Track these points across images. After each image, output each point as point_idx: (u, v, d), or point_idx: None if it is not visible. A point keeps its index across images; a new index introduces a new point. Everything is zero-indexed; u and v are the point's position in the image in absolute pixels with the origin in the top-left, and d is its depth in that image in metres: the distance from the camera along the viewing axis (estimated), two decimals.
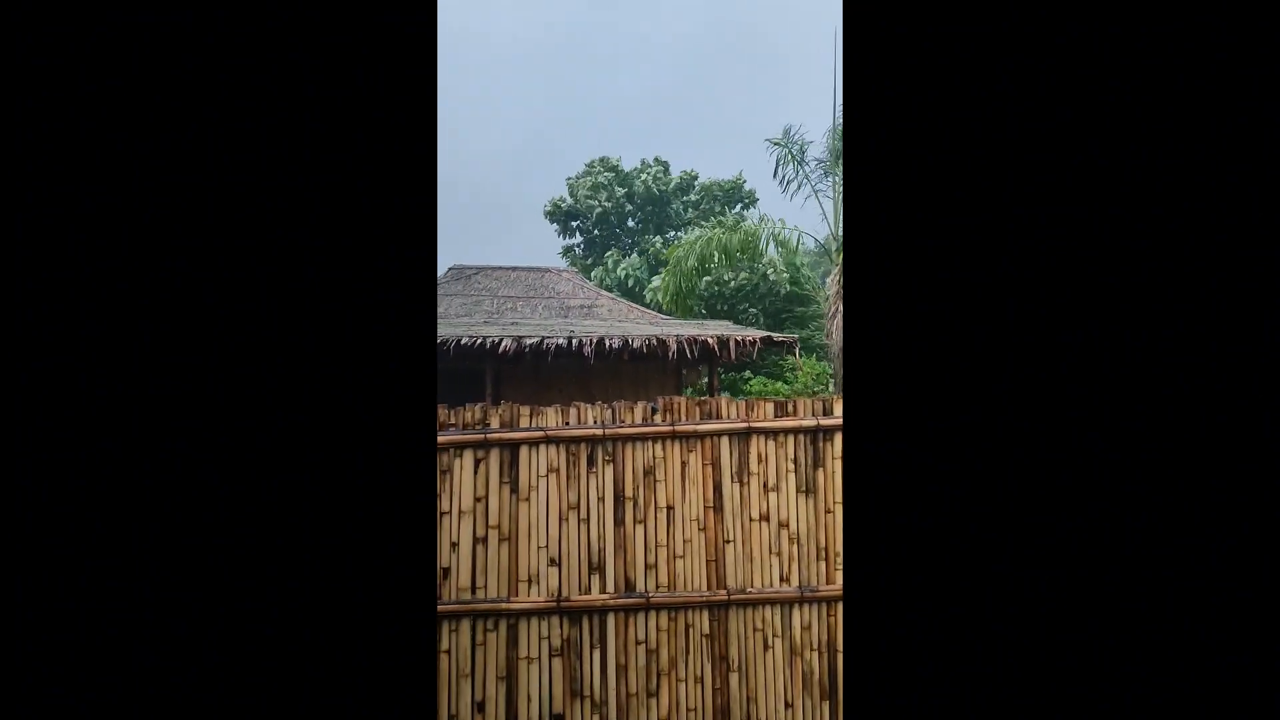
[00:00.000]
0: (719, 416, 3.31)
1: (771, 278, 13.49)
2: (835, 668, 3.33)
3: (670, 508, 3.24)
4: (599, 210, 19.51)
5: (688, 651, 3.20)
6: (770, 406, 3.35)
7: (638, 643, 3.17)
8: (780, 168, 10.05)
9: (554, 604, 3.12)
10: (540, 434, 3.19)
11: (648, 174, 20.04)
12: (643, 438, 3.26)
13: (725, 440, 3.30)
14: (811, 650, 3.32)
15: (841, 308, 9.96)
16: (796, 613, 3.32)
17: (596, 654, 3.14)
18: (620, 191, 19.59)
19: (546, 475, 3.20)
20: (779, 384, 10.65)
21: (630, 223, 19.95)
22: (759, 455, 3.32)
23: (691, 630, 3.22)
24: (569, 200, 20.27)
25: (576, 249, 20.25)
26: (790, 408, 3.36)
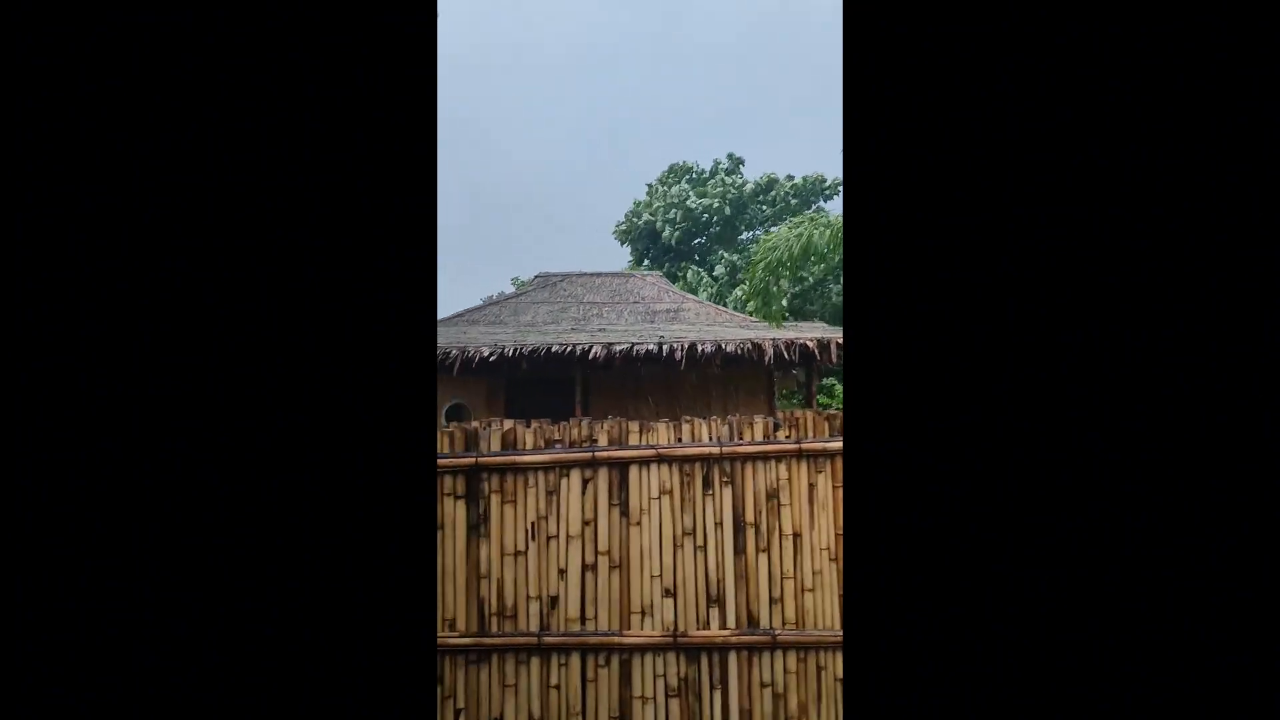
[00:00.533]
0: None
1: None
2: None
3: (797, 535, 2.90)
4: (674, 226, 19.16)
5: (820, 697, 2.85)
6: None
7: (763, 685, 2.84)
8: None
9: (670, 639, 2.85)
10: (651, 452, 2.93)
11: (723, 177, 19.54)
12: (764, 457, 2.94)
13: None
14: None
15: None
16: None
17: (717, 696, 2.84)
18: (697, 203, 19.17)
19: (659, 497, 2.94)
20: None
21: (710, 230, 19.50)
22: None
23: (824, 673, 2.87)
24: (642, 218, 20.02)
25: (650, 262, 19.99)
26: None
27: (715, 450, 2.93)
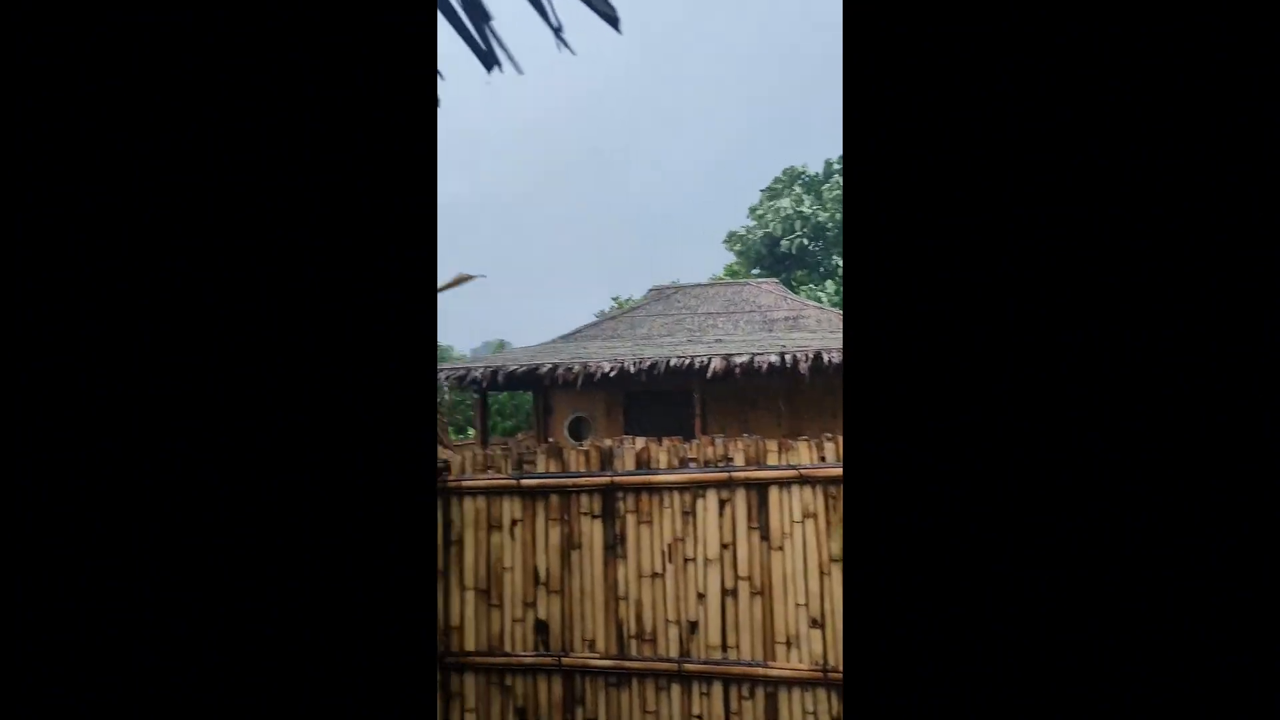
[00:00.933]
0: None
1: None
2: None
3: None
4: (790, 234, 18.54)
5: None
6: None
7: None
8: None
9: (819, 673, 2.65)
10: (793, 473, 2.77)
11: (838, 179, 18.72)
12: None
13: None
14: None
15: None
16: None
17: None
18: (811, 209, 18.47)
19: (801, 521, 2.76)
20: None
21: (827, 235, 18.72)
22: None
23: None
24: (755, 229, 19.53)
25: (762, 271, 19.45)
26: None
27: None
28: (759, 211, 19.86)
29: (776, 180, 20.27)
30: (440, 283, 5.12)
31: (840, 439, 2.80)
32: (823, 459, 2.78)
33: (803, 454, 2.80)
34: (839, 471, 2.73)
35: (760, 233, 19.35)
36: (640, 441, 2.99)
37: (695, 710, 2.74)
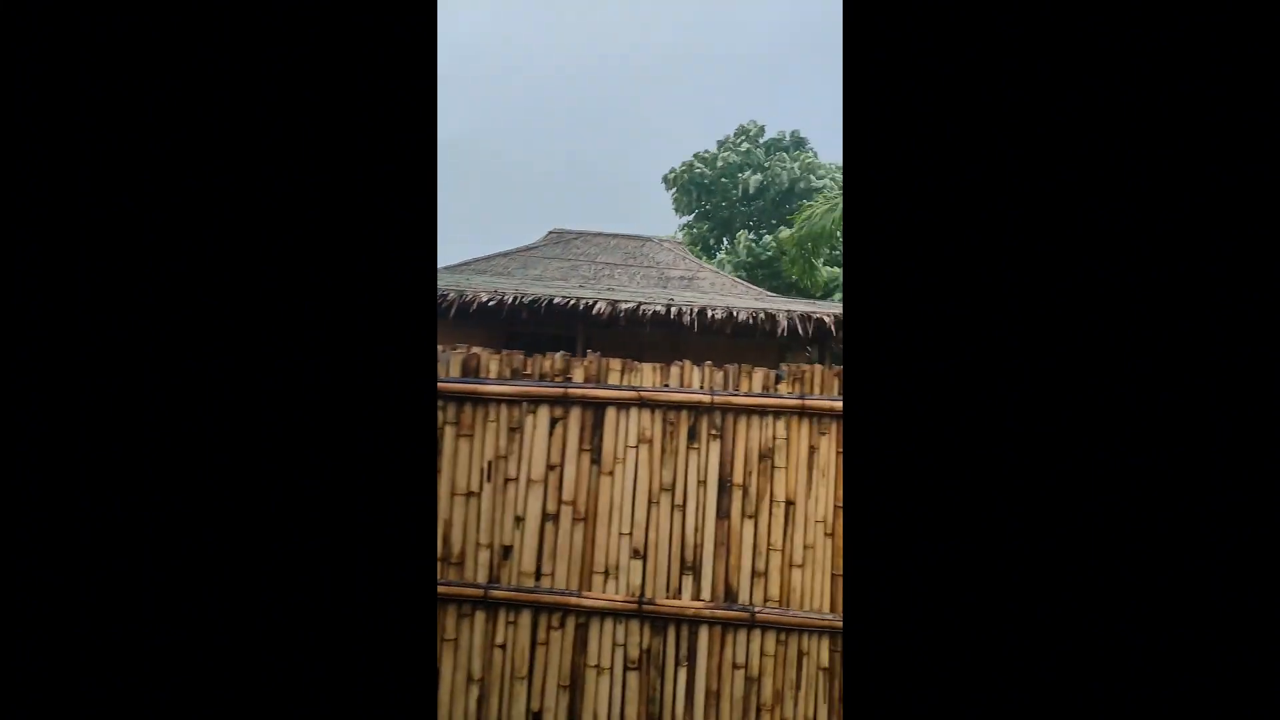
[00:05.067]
0: None
1: None
2: None
3: (790, 503, 2.54)
4: (729, 186, 18.33)
5: (798, 685, 2.51)
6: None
7: (736, 667, 2.51)
8: None
9: (635, 605, 2.51)
10: (633, 394, 2.57)
11: (784, 152, 18.70)
12: (761, 411, 2.56)
13: None
14: None
15: None
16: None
17: (683, 674, 2.51)
18: (755, 173, 18.31)
19: (637, 446, 2.58)
20: None
21: (762, 201, 18.66)
22: None
23: (806, 660, 2.52)
24: (698, 169, 19.05)
25: (696, 228, 19.17)
26: None
27: (706, 398, 2.56)
28: (703, 157, 19.43)
29: (734, 136, 19.86)
30: None
31: (688, 364, 2.62)
32: (666, 384, 2.60)
33: (646, 376, 2.60)
34: (681, 397, 2.57)
35: (698, 178, 18.95)
36: (474, 349, 2.68)
37: (499, 640, 2.53)
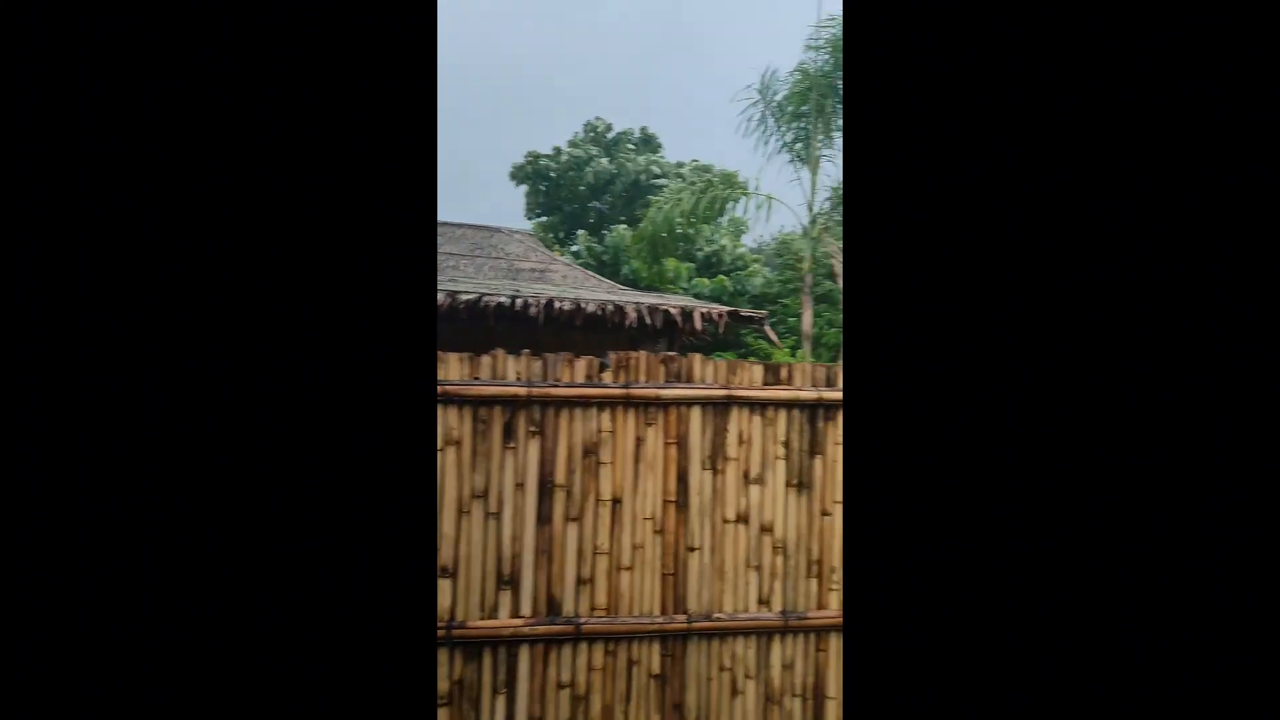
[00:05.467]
0: (690, 380, 2.42)
1: (740, 250, 12.72)
2: (824, 719, 2.52)
3: (617, 501, 2.35)
4: (578, 182, 18.05)
5: (629, 698, 2.34)
6: (758, 370, 2.48)
7: (560, 686, 2.28)
8: (759, 121, 9.16)
9: (443, 631, 2.19)
10: (436, 390, 2.24)
11: (632, 146, 18.71)
12: (584, 402, 2.35)
13: (696, 412, 2.41)
14: (793, 696, 2.50)
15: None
16: (777, 646, 2.48)
17: (500, 702, 2.23)
18: (603, 164, 18.16)
19: (443, 448, 2.26)
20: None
21: (608, 196, 18.58)
22: (740, 434, 2.45)
23: (636, 669, 2.35)
24: (546, 163, 18.60)
25: (546, 221, 18.68)
26: (784, 374, 2.50)
27: (522, 391, 2.30)
28: (548, 154, 18.94)
29: (581, 132, 19.51)
30: None
31: (501, 353, 2.34)
32: (476, 377, 2.30)
33: (452, 368, 2.29)
34: (494, 390, 2.28)
35: (545, 173, 18.44)
36: None
37: None
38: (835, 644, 2.54)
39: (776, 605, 2.48)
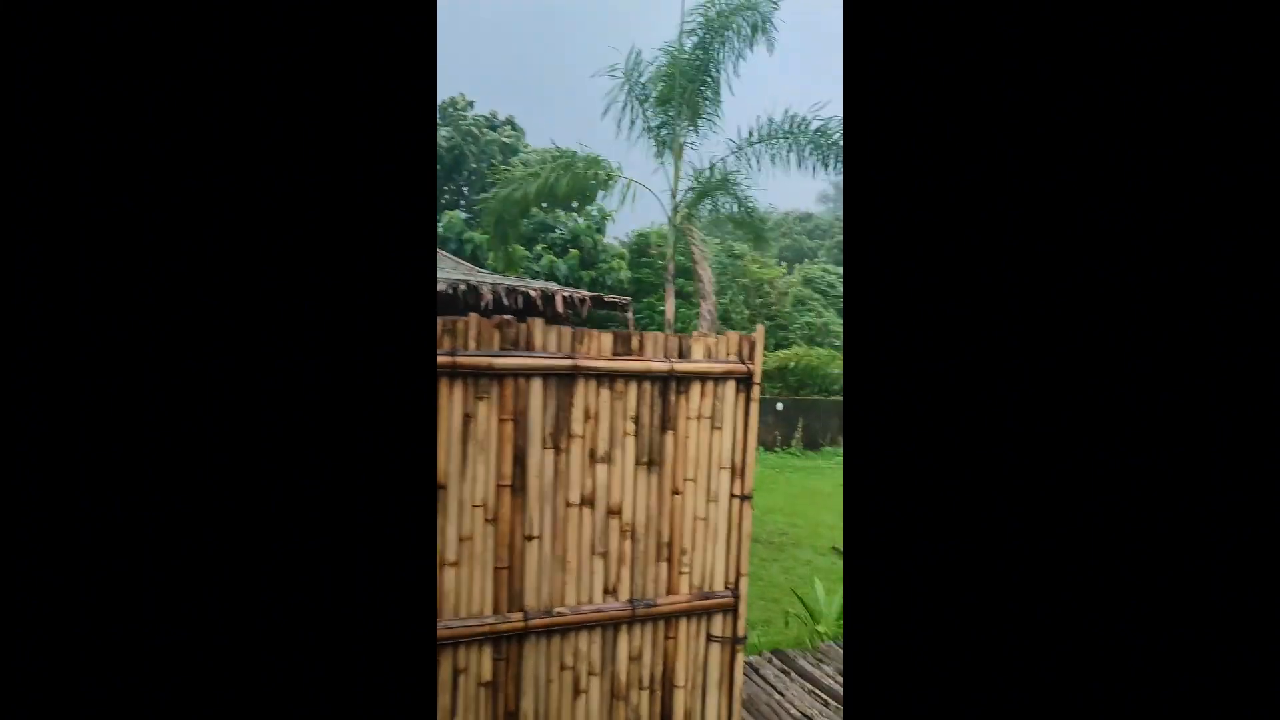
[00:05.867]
0: (530, 348, 2.15)
1: (603, 240, 12.57)
2: (671, 710, 2.37)
3: (442, 487, 2.03)
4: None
5: (454, 712, 2.04)
6: (607, 339, 2.27)
7: None
8: (624, 105, 9.02)
9: None
10: None
11: (490, 127, 17.88)
12: None
13: (537, 384, 2.15)
14: (641, 689, 2.33)
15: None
16: (624, 638, 2.30)
17: None
18: (458, 143, 17.19)
19: None
20: None
21: (459, 177, 17.64)
22: (587, 409, 2.23)
23: (463, 678, 2.06)
24: None
25: None
26: (635, 344, 2.30)
27: None
28: None
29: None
30: None
31: None
32: None
33: None
34: None
35: None
36: None
37: None
38: (685, 630, 2.40)
39: (624, 594, 2.29)
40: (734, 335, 2.46)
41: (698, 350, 2.39)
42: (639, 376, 2.28)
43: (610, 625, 2.27)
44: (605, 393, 2.24)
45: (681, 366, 2.34)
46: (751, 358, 2.46)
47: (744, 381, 2.45)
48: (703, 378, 2.39)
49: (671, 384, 2.34)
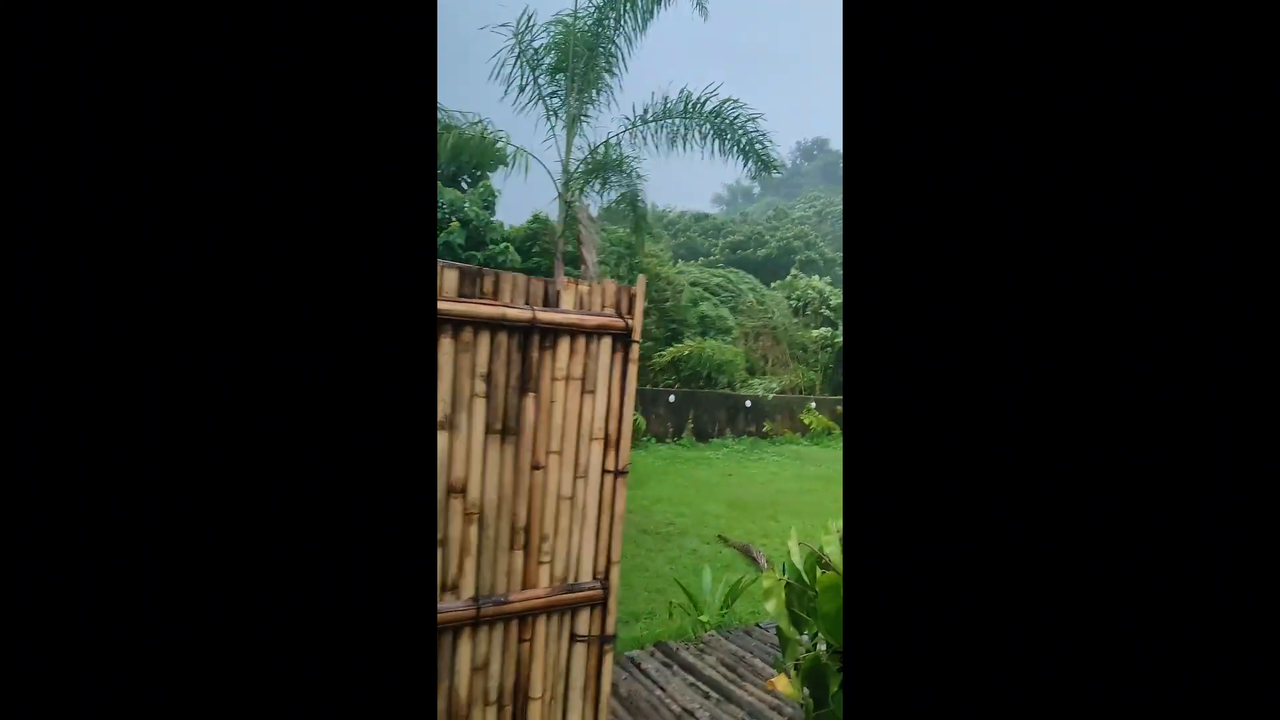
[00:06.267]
0: None
1: (490, 219, 11.89)
2: None
3: None
4: None
5: None
6: (451, 275, 1.83)
7: None
8: (512, 68, 8.43)
9: None
10: None
11: None
12: None
13: None
14: (488, 705, 1.92)
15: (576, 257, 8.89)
16: (466, 644, 1.88)
17: None
18: None
19: None
20: None
21: None
22: None
23: None
24: None
25: None
26: (488, 285, 1.88)
27: None
28: None
29: None
30: None
31: None
32: None
33: None
34: None
35: None
36: None
37: None
38: (544, 631, 2.02)
39: (467, 591, 1.87)
40: (611, 284, 2.09)
41: (567, 299, 2.01)
42: (492, 325, 1.87)
43: (448, 629, 1.84)
44: (447, 342, 1.81)
45: (546, 316, 1.94)
46: (631, 312, 2.11)
47: (622, 338, 2.10)
48: (573, 331, 2.00)
49: (534, 337, 1.94)
